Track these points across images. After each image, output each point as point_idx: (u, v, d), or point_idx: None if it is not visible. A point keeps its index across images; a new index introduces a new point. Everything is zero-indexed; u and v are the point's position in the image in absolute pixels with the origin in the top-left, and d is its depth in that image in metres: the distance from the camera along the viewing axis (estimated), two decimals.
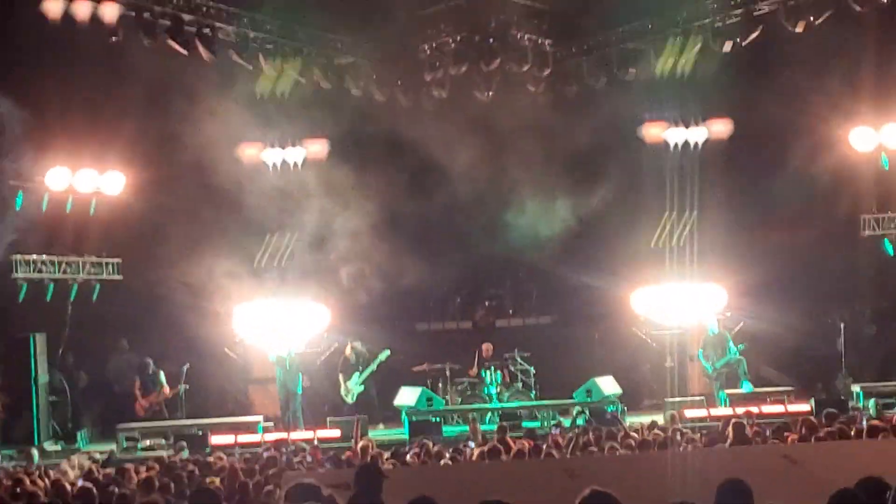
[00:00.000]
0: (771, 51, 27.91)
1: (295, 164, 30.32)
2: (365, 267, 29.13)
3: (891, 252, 28.83)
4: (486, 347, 29.71)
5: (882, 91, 27.70)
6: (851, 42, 26.56)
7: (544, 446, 19.60)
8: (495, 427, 24.85)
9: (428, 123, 28.88)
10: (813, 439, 17.27)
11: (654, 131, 30.48)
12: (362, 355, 29.08)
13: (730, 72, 28.22)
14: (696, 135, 30.30)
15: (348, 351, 29.06)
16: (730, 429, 18.81)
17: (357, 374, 28.80)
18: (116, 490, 16.00)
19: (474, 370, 29.62)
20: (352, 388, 28.71)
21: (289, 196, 29.84)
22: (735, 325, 29.15)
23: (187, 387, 28.92)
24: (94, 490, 16.21)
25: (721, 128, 30.02)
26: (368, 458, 18.99)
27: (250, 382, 30.86)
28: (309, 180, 29.90)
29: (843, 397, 27.21)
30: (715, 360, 28.35)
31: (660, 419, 24.62)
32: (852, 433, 18.13)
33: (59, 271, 28.53)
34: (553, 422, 26.46)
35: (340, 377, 28.95)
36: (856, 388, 27.57)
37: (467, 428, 26.69)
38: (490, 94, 29.83)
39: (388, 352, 28.83)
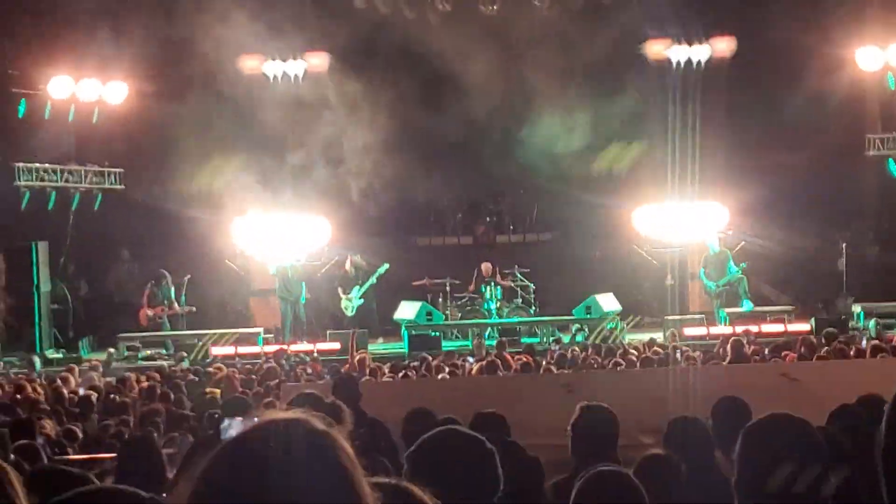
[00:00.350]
0: None
1: (296, 77, 30.14)
2: (366, 181, 29.03)
3: (895, 173, 28.75)
4: (486, 267, 29.65)
5: (889, 9, 27.49)
6: None
7: (543, 362, 19.70)
8: (494, 342, 24.97)
9: (432, 37, 28.69)
10: (813, 358, 17.32)
11: (657, 49, 30.25)
12: (362, 269, 29.09)
13: None
14: (700, 53, 30.08)
15: (348, 264, 29.07)
16: (728, 346, 18.88)
17: (357, 287, 28.82)
18: (117, 398, 16.10)
19: (472, 287, 29.65)
20: (352, 301, 28.74)
21: (291, 109, 29.70)
22: (736, 244, 29.13)
23: (194, 308, 28.91)
24: (95, 398, 16.32)
25: (724, 46, 29.82)
26: (367, 371, 19.09)
27: (251, 294, 30.87)
28: (310, 93, 29.78)
29: (843, 317, 27.24)
30: (716, 279, 28.34)
31: (659, 337, 24.70)
32: (852, 353, 18.19)
33: (61, 180, 28.52)
34: (552, 338, 26.52)
35: (340, 290, 28.97)
36: (856, 308, 27.61)
37: (468, 343, 26.82)
38: (495, 7, 29.58)
39: (387, 265, 28.81)
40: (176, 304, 28.68)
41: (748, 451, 4.48)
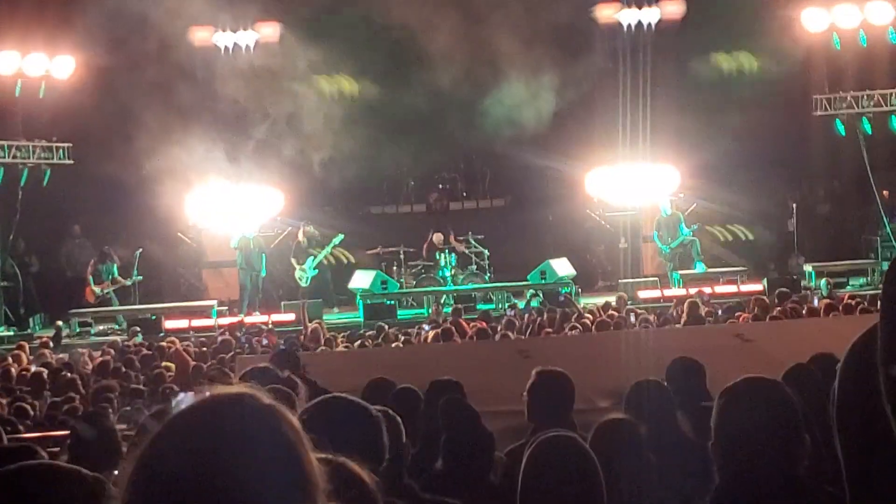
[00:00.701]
0: None
1: (247, 48, 29.97)
2: (319, 152, 28.89)
3: (842, 132, 28.90)
4: (437, 237, 29.66)
5: None
6: None
7: (499, 328, 19.73)
8: (449, 310, 25.00)
9: (381, 2, 28.59)
10: (766, 319, 17.42)
11: (608, 12, 30.28)
12: (314, 238, 29.00)
13: None
14: (649, 15, 30.12)
15: (301, 235, 28.96)
16: (684, 307, 18.97)
17: (311, 258, 28.73)
18: (69, 375, 16.00)
19: (425, 254, 29.65)
20: (306, 272, 28.65)
21: (242, 80, 29.58)
22: (688, 206, 29.25)
23: (141, 277, 28.77)
24: (46, 375, 16.20)
25: (674, 9, 29.89)
26: (322, 341, 19.06)
27: (204, 267, 30.73)
28: (262, 64, 29.69)
29: (795, 277, 27.42)
30: (669, 241, 28.45)
31: (613, 300, 24.79)
32: (804, 312, 18.31)
33: (8, 156, 28.26)
34: (507, 304, 26.56)
35: (294, 261, 28.86)
36: (808, 267, 27.80)
37: (424, 311, 26.87)
38: None
39: (341, 236, 28.74)
40: (119, 278, 28.54)
41: (725, 416, 4.48)
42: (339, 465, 3.15)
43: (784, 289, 22.36)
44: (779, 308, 18.83)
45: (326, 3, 29.25)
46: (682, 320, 18.51)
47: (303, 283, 28.59)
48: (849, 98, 28.78)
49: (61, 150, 29.32)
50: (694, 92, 29.59)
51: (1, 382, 15.53)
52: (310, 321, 24.43)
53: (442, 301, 27.74)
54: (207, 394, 2.43)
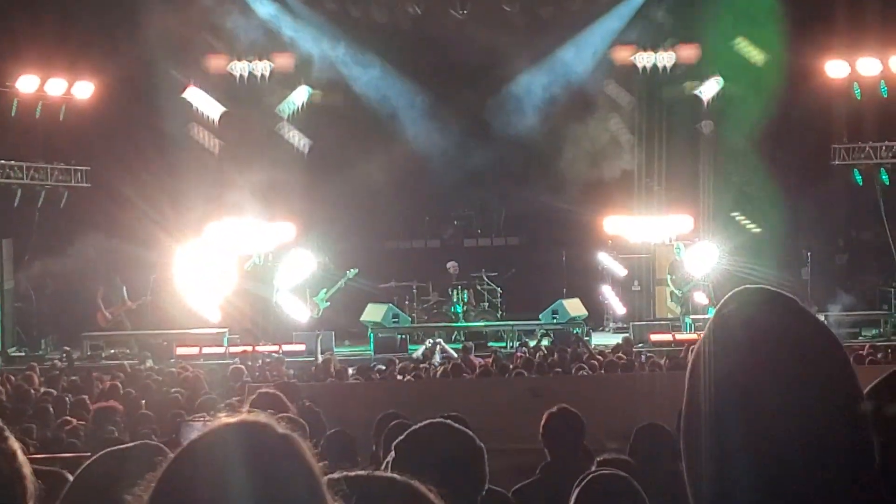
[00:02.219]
0: None
1: (262, 77, 30.11)
2: (335, 185, 28.95)
3: (860, 182, 28.87)
4: (452, 266, 29.66)
5: (856, 21, 27.63)
6: None
7: (510, 366, 19.70)
8: (461, 346, 24.98)
9: (402, 39, 28.78)
10: None
11: (624, 55, 30.39)
12: (329, 271, 29.00)
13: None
14: (664, 59, 30.22)
15: (315, 266, 28.96)
16: (691, 353, 18.92)
17: (324, 290, 28.74)
18: (77, 398, 15.99)
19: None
20: (318, 303, 28.66)
21: (257, 110, 29.79)
22: (701, 251, 29.17)
23: (150, 298, 28.78)
24: (56, 395, 16.21)
25: (690, 53, 30.00)
26: (332, 373, 19.06)
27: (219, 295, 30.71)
28: (278, 94, 29.92)
29: None
30: (682, 285, 28.41)
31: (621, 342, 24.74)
32: None
33: (27, 177, 28.33)
34: (518, 342, 26.52)
35: (307, 292, 28.87)
36: (820, 317, 27.66)
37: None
38: (465, 11, 29.63)
39: (356, 270, 28.76)
40: (128, 301, 28.61)
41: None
42: (397, 484, 3.14)
43: None
44: None
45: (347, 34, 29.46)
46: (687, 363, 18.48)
47: (315, 315, 28.59)
48: (867, 148, 28.74)
49: (79, 173, 29.41)
50: (710, 138, 29.70)
51: (14, 403, 15.52)
52: (321, 353, 24.45)
53: (452, 337, 27.65)
54: (222, 422, 2.43)
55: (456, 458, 4.17)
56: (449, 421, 4.68)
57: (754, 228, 29.29)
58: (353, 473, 3.10)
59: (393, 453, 4.18)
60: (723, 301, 2.48)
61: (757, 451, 2.31)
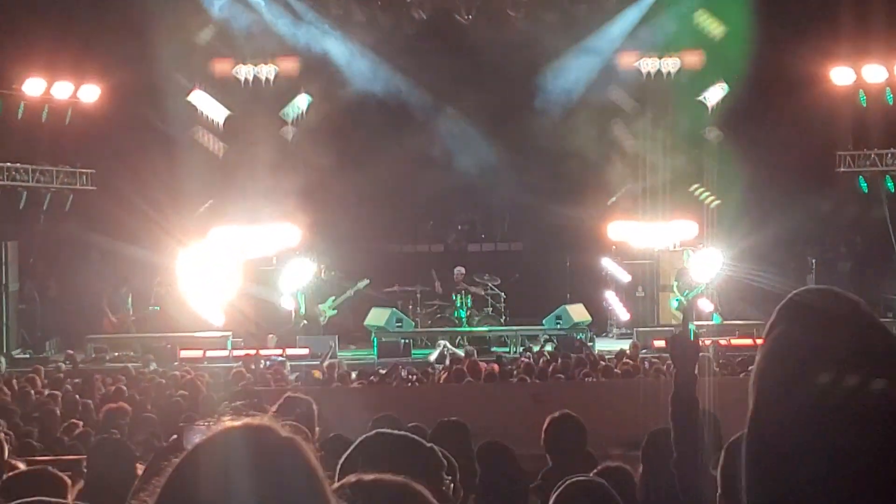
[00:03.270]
0: None
1: (267, 80, 30.17)
2: (340, 189, 28.98)
3: (865, 189, 28.86)
4: (458, 271, 29.65)
5: (861, 28, 27.64)
6: None
7: (514, 371, 19.69)
8: (464, 351, 24.96)
9: (408, 45, 28.82)
10: None
11: (628, 60, 30.41)
12: (336, 278, 28.99)
13: (709, 6, 28.43)
14: (669, 65, 30.25)
15: (323, 273, 28.96)
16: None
17: (332, 298, 28.75)
18: (81, 400, 16.01)
19: (438, 286, 29.62)
20: (324, 310, 28.65)
21: (264, 113, 29.84)
22: (706, 258, 29.15)
23: (157, 308, 28.80)
24: (60, 398, 16.23)
25: (695, 59, 30.02)
26: (335, 377, 19.06)
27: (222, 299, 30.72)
28: (283, 98, 30.01)
29: None
30: (687, 292, 28.40)
31: (628, 347, 24.72)
32: None
33: (32, 180, 28.38)
34: (521, 347, 26.51)
35: (313, 298, 28.86)
36: None
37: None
38: (470, 17, 29.68)
39: (367, 281, 28.77)
40: (130, 311, 28.65)
41: (731, 468, 4.43)
42: (407, 489, 3.14)
43: None
44: None
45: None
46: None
47: (320, 321, 28.59)
48: (873, 156, 28.76)
49: (84, 176, 29.45)
50: (715, 143, 29.76)
51: (18, 405, 15.54)
52: (329, 357, 24.49)
53: (456, 342, 27.64)
54: (226, 425, 2.44)
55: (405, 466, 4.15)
56: (388, 430, 4.63)
57: (757, 234, 29.26)
58: (366, 477, 3.11)
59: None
60: (791, 303, 2.48)
61: (835, 457, 2.31)
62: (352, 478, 3.13)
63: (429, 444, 4.29)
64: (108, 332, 28.25)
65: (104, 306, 28.60)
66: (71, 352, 25.53)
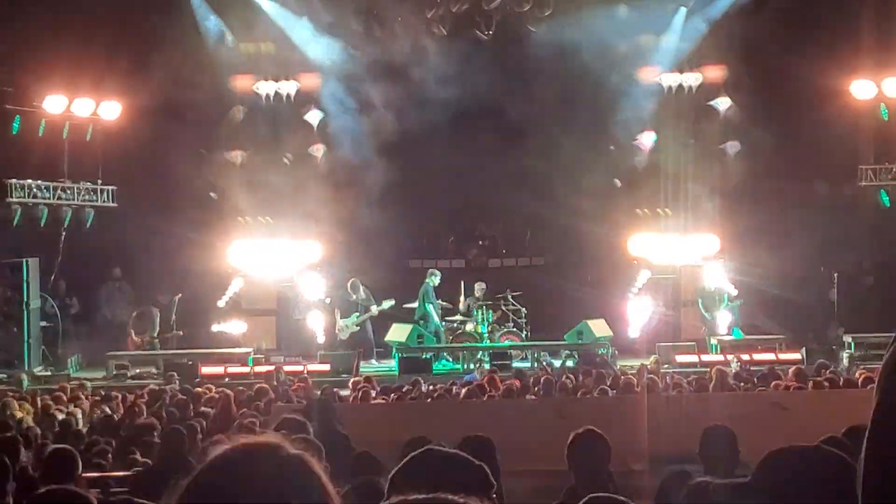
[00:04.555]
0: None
1: (288, 96, 30.32)
2: (361, 203, 29.00)
3: (887, 203, 28.80)
4: (479, 286, 29.63)
5: (883, 42, 27.62)
6: None
7: (536, 387, 19.66)
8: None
9: (428, 59, 28.88)
10: (804, 388, 17.31)
11: (649, 74, 30.44)
12: (360, 294, 28.97)
13: (730, 20, 28.45)
14: (691, 80, 30.29)
15: (347, 288, 28.95)
16: (713, 373, 18.89)
17: (356, 314, 28.73)
18: (104, 416, 16.05)
19: (462, 304, 29.58)
20: (347, 325, 28.64)
21: (284, 128, 29.97)
22: (730, 275, 29.10)
23: (181, 333, 28.86)
24: (80, 416, 16.27)
25: (717, 73, 30.05)
26: (359, 393, 19.03)
27: (243, 314, 30.75)
28: (304, 113, 30.14)
29: (834, 347, 27.24)
30: (712, 308, 28.34)
31: (649, 363, 24.68)
32: (841, 383, 18.20)
33: (53, 197, 28.50)
34: (543, 363, 26.47)
35: (337, 313, 28.84)
36: (847, 338, 27.57)
37: (459, 366, 26.85)
38: (489, 32, 29.76)
39: (392, 302, 28.76)
40: (156, 331, 28.68)
41: (763, 483, 4.40)
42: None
43: (823, 359, 22.23)
44: (816, 378, 18.71)
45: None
46: (711, 386, 18.43)
47: (342, 336, 28.58)
48: (894, 169, 28.71)
49: (105, 193, 29.57)
50: (736, 157, 29.74)
51: (39, 422, 15.57)
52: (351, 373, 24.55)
53: (477, 357, 27.63)
54: (238, 443, 2.46)
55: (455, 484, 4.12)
56: (439, 446, 4.62)
57: (779, 248, 29.19)
58: (415, 497, 3.09)
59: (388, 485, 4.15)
60: None
61: None
62: (398, 497, 3.13)
63: (478, 463, 4.29)
64: (131, 350, 28.31)
65: (129, 326, 28.64)
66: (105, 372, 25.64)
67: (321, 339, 28.47)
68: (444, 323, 29.17)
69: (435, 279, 29.02)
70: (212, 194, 29.45)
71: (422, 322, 28.37)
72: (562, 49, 28.98)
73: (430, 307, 28.72)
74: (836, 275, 29.58)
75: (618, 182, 30.61)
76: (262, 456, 2.43)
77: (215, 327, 28.32)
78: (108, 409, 17.68)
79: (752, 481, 4.30)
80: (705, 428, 8.48)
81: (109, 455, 12.86)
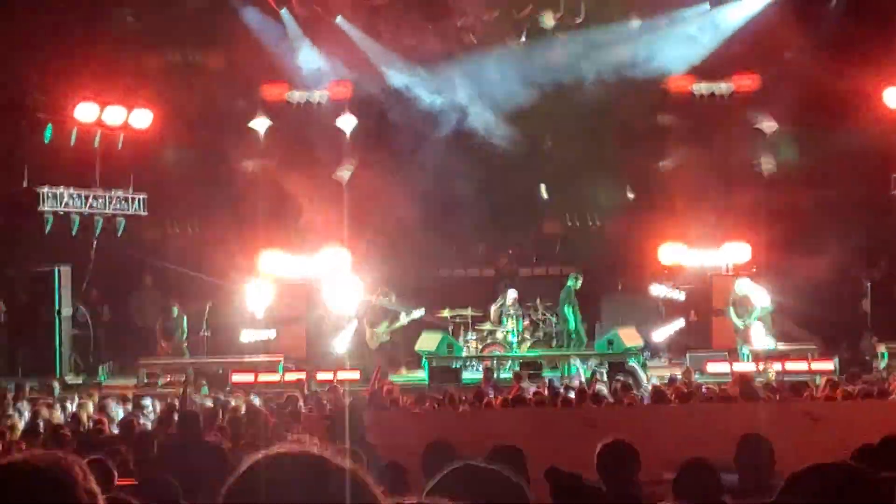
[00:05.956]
0: (804, 7, 27.89)
1: (319, 104, 30.41)
2: (390, 212, 29.03)
3: None
4: (511, 293, 29.58)
5: None
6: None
7: (571, 395, 19.59)
8: (511, 374, 24.92)
9: (457, 69, 28.93)
10: (836, 398, 17.21)
11: (681, 83, 30.38)
12: (390, 304, 28.96)
13: (759, 27, 28.44)
14: (723, 88, 30.24)
15: (376, 298, 28.94)
16: (739, 382, 18.82)
17: (385, 323, 28.72)
18: (132, 424, 16.06)
19: (493, 315, 29.53)
20: (377, 335, 28.62)
21: (315, 136, 30.02)
22: (761, 282, 28.97)
23: (209, 333, 28.90)
24: (106, 423, 16.29)
25: (748, 82, 29.97)
26: (388, 401, 19.00)
27: (273, 322, 30.76)
28: (335, 121, 30.19)
29: (867, 357, 27.08)
30: (744, 316, 28.22)
31: (679, 372, 24.59)
32: (875, 393, 18.08)
33: (85, 205, 28.59)
34: (574, 372, 26.39)
35: (366, 323, 28.82)
36: (881, 348, 27.41)
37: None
38: (523, 40, 29.79)
39: (422, 311, 28.73)
40: (185, 334, 28.71)
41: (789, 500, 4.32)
42: None
43: (855, 368, 22.10)
44: (849, 387, 18.60)
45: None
46: (734, 394, 18.34)
47: (372, 346, 28.56)
48: None
49: (137, 201, 29.65)
50: (769, 165, 29.67)
51: (71, 430, 15.59)
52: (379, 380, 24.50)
53: (507, 367, 27.55)
54: (278, 450, 2.43)
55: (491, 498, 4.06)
56: (475, 461, 4.54)
57: (812, 257, 29.06)
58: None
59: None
60: None
61: None
62: None
63: (516, 480, 4.23)
64: (161, 356, 28.38)
65: (157, 332, 28.70)
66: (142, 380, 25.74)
67: (351, 347, 28.45)
68: (473, 333, 29.10)
69: (575, 282, 28.93)
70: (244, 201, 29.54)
71: (562, 324, 28.37)
72: (593, 53, 29.02)
73: (567, 309, 28.69)
74: (868, 284, 29.41)
75: (630, 194, 30.63)
76: (307, 466, 2.40)
77: (245, 336, 28.32)
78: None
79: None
80: (741, 436, 8.43)
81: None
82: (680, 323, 29.27)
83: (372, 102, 30.16)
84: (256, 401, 19.88)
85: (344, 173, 30.14)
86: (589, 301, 30.12)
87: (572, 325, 28.66)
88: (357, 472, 2.44)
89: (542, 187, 30.79)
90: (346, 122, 30.40)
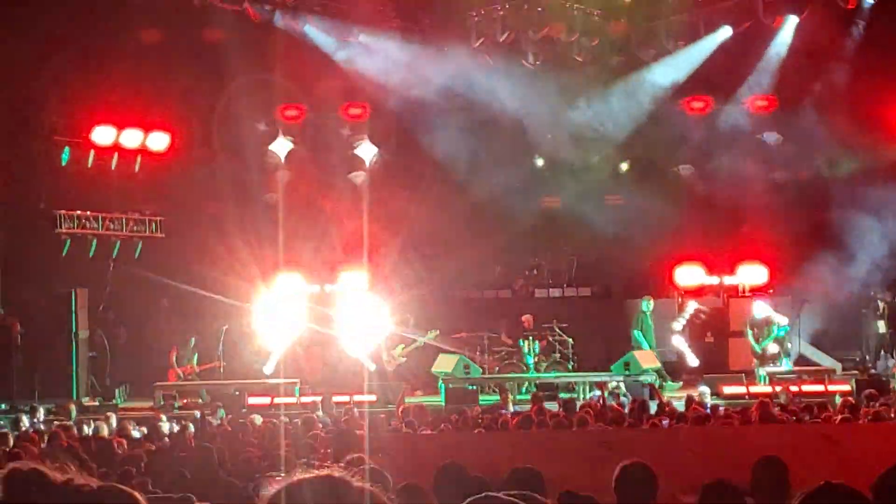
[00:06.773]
0: (821, 30, 27.91)
1: (337, 127, 30.52)
2: (406, 234, 29.06)
3: None
4: (527, 319, 29.60)
5: None
6: None
7: (589, 417, 19.54)
8: (529, 397, 24.88)
9: (473, 89, 28.97)
10: (857, 420, 17.15)
11: (696, 105, 30.44)
12: (408, 326, 28.95)
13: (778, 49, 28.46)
14: (735, 109, 30.35)
15: (396, 320, 28.92)
16: (756, 405, 18.76)
17: (401, 345, 28.71)
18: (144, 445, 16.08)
19: (509, 339, 29.52)
20: (393, 357, 28.60)
21: (334, 159, 30.09)
22: (778, 305, 28.93)
23: (224, 364, 28.83)
24: (126, 445, 16.31)
25: (763, 103, 30.01)
26: (403, 424, 18.99)
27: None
28: (354, 143, 30.26)
29: (884, 378, 27.01)
30: (762, 339, 28.16)
31: (696, 394, 24.54)
32: (892, 415, 18.01)
33: (102, 227, 28.68)
34: (590, 394, 26.35)
35: (383, 345, 28.79)
36: None
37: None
38: (537, 62, 29.81)
39: (436, 332, 28.71)
40: (195, 367, 28.66)
41: None
42: None
43: (872, 390, 22.02)
44: (867, 409, 18.53)
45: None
46: (754, 418, 18.28)
47: (388, 368, 28.53)
48: None
49: (154, 224, 29.72)
50: (785, 186, 29.64)
51: (84, 452, 15.59)
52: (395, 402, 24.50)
53: (524, 388, 27.54)
54: (301, 476, 2.44)
55: None
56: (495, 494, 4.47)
57: (826, 278, 29.02)
58: None
59: None
60: None
61: None
62: None
63: None
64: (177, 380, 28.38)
65: (171, 359, 28.63)
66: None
67: (367, 369, 28.43)
68: (489, 355, 29.12)
69: (646, 305, 28.92)
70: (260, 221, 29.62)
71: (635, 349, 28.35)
72: (607, 76, 29.09)
73: (638, 333, 28.68)
74: (883, 305, 29.34)
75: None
76: (330, 489, 2.41)
77: (267, 369, 28.28)
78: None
79: None
80: (757, 459, 8.41)
81: None
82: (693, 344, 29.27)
83: (390, 124, 30.18)
84: (258, 420, 19.91)
85: (357, 178, 30.23)
86: (606, 323, 30.10)
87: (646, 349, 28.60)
88: (377, 494, 2.45)
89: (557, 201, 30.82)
90: (366, 151, 30.46)
